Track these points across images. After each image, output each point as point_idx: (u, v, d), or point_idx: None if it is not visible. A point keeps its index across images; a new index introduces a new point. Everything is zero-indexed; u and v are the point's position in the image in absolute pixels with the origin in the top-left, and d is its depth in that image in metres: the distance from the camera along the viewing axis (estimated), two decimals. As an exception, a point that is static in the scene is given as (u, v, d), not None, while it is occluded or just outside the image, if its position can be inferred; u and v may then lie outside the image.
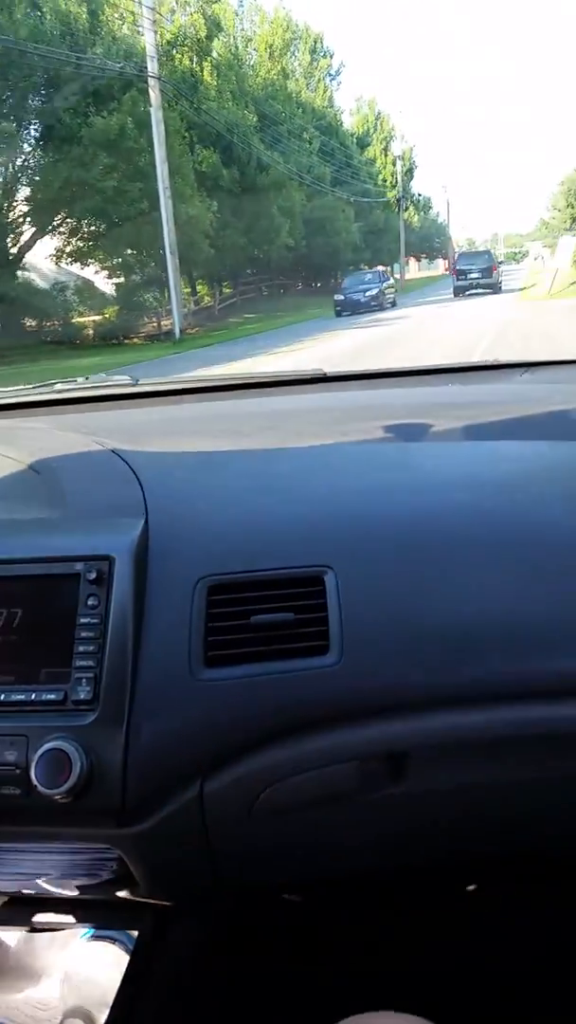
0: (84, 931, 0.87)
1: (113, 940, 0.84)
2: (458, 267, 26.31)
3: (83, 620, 0.76)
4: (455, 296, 25.04)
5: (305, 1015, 1.05)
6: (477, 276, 25.08)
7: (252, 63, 32.16)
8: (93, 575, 0.77)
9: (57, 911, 0.86)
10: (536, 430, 1.02)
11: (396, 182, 48.33)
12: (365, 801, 0.79)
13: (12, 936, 0.91)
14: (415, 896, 1.18)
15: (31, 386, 1.37)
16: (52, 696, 0.74)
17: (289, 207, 27.41)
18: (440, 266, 68.20)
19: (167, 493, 0.88)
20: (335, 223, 34.37)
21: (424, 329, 16.60)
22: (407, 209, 51.21)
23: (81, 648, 0.75)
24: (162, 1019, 0.88)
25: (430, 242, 57.72)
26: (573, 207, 56.87)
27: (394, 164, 47.07)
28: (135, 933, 0.88)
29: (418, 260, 63.17)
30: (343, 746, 0.76)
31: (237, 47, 29.89)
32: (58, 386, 1.36)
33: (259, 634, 0.77)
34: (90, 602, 0.76)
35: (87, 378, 1.42)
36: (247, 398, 1.36)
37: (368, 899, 1.18)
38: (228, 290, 31.35)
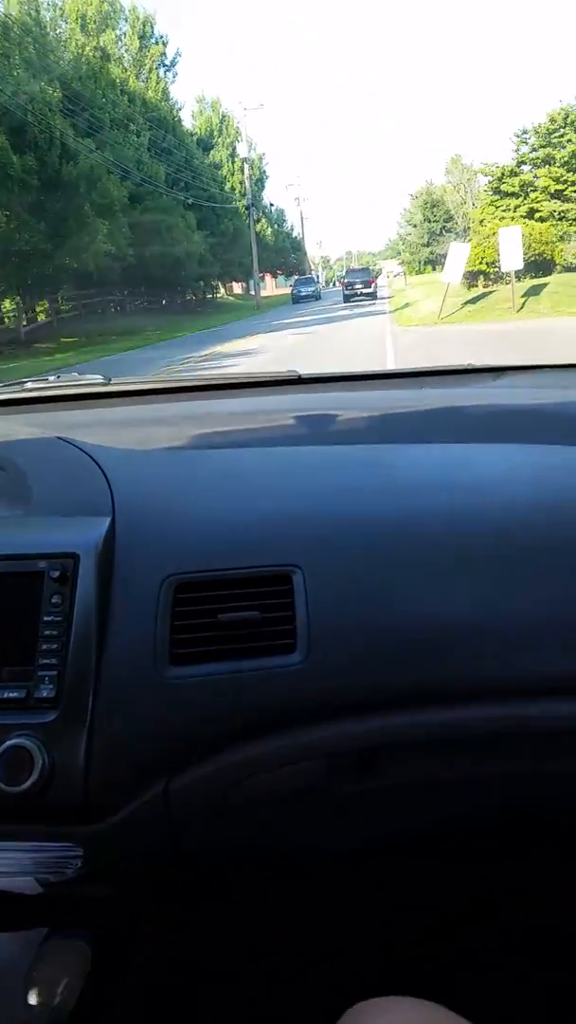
0: (48, 930, 0.84)
1: (79, 938, 0.82)
2: (347, 280, 34.56)
3: (47, 618, 0.76)
4: (345, 301, 31.12)
5: (273, 1010, 1.07)
6: (360, 287, 32.49)
7: (62, 35, 26.86)
8: (57, 573, 0.77)
9: (20, 910, 0.82)
10: (507, 434, 1.01)
11: (245, 190, 44.07)
12: (332, 798, 0.79)
13: None
14: (395, 888, 1.16)
15: (1, 385, 1.37)
16: (14, 694, 0.74)
17: (107, 205, 22.11)
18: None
19: (135, 491, 0.87)
20: (173, 231, 29.32)
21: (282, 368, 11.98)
22: (259, 220, 46.93)
23: (44, 646, 0.75)
24: (129, 1016, 0.87)
25: (285, 257, 54.23)
26: (430, 221, 54.69)
27: (242, 170, 42.68)
28: (101, 931, 0.85)
29: (274, 276, 59.26)
30: (310, 744, 0.77)
31: (39, 10, 24.45)
32: (28, 384, 1.34)
33: (225, 632, 0.77)
34: (54, 600, 0.76)
35: (58, 376, 1.41)
36: (220, 399, 1.35)
37: (350, 890, 1.15)
38: (43, 307, 25.61)
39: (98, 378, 1.34)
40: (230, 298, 48.29)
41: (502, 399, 1.25)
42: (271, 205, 56.16)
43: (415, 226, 57.39)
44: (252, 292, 42.03)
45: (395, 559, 0.81)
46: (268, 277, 58.17)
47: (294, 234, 58.39)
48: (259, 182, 50.87)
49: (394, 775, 0.80)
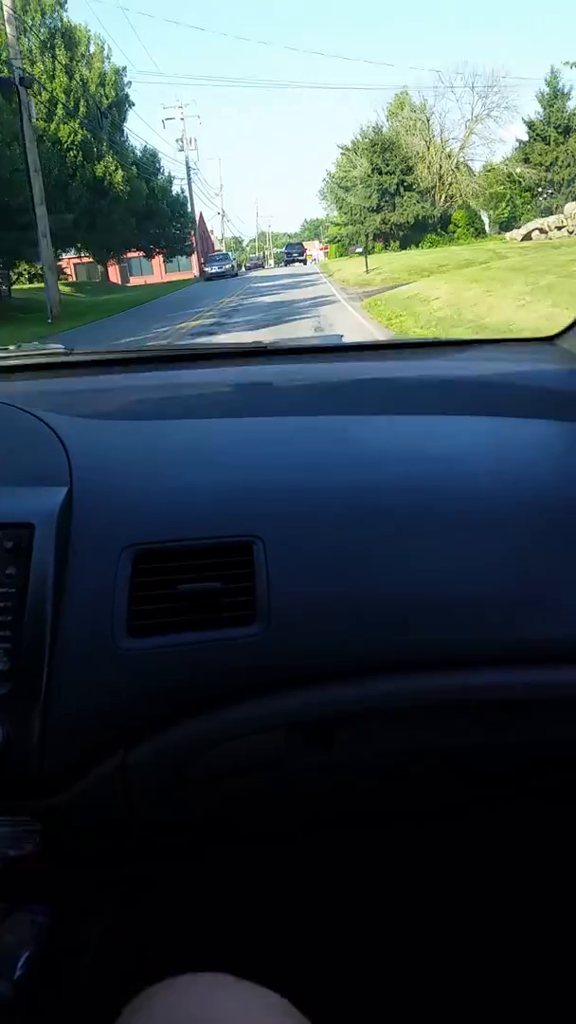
0: (8, 905, 0.82)
1: (39, 912, 0.79)
2: (287, 251, 47.94)
3: (0, 590, 0.74)
4: (286, 265, 42.63)
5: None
6: (296, 255, 44.79)
7: None
8: (11, 543, 0.75)
9: None
10: (470, 406, 1.02)
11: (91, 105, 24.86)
12: (292, 770, 0.79)
13: None
14: (360, 863, 1.13)
15: None
16: None
17: None
18: (193, 265, 46.65)
19: (94, 460, 0.85)
20: None
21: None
22: (104, 156, 27.36)
23: None
24: (89, 991, 0.86)
25: (162, 225, 35.33)
26: (382, 172, 36.51)
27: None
28: (62, 904, 0.83)
29: (149, 255, 39.79)
30: (270, 715, 0.77)
31: None
32: None
33: (185, 603, 0.76)
34: (8, 571, 0.74)
35: (19, 346, 1.40)
36: (184, 369, 1.32)
37: (313, 865, 1.12)
38: None
39: (60, 347, 1.32)
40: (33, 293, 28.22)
41: (467, 371, 1.22)
42: (141, 146, 36.70)
43: (358, 184, 38.70)
44: (88, 278, 23.32)
45: (356, 530, 0.80)
46: (158, 259, 38.70)
47: (188, 210, 39.14)
48: (116, 106, 31.30)
49: (353, 747, 0.79)
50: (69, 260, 42.67)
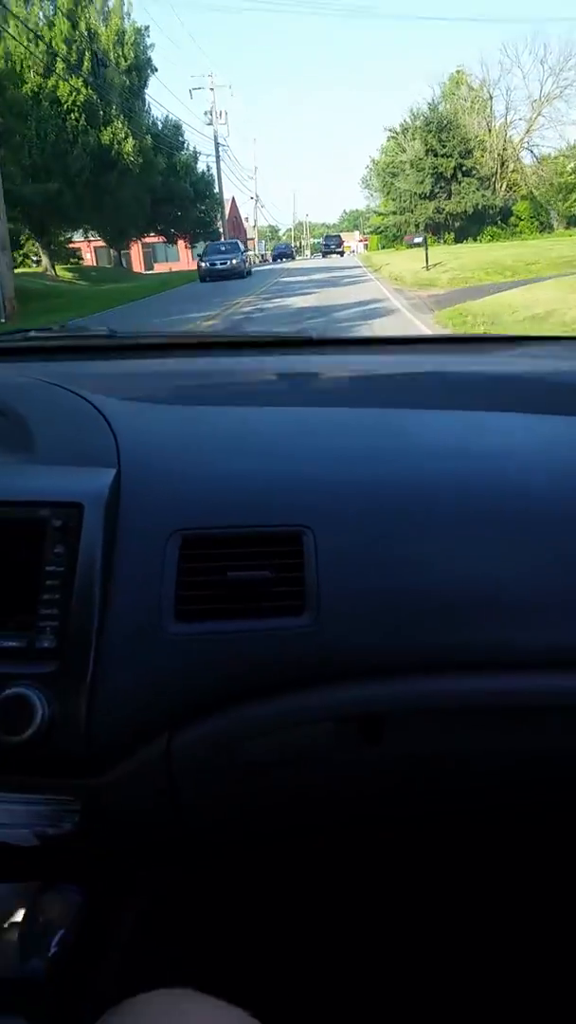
0: (44, 882, 0.84)
1: (75, 892, 0.81)
2: (325, 243, 48.27)
3: (49, 568, 0.74)
4: (323, 256, 42.52)
5: (267, 974, 1.07)
6: (335, 247, 45.23)
7: None
8: (60, 522, 0.75)
9: (17, 862, 0.81)
10: (523, 403, 0.99)
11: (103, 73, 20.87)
12: (335, 764, 0.79)
13: None
14: (395, 861, 1.16)
15: (2, 334, 1.36)
16: (15, 643, 0.73)
17: None
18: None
19: (142, 444, 0.85)
20: None
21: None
22: (110, 122, 23.24)
23: (46, 596, 0.73)
24: (124, 969, 0.87)
25: (183, 207, 31.17)
26: (438, 154, 31.88)
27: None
28: (98, 885, 0.84)
29: (171, 240, 35.46)
30: (315, 707, 0.76)
31: None
32: (31, 334, 1.30)
33: (232, 591, 0.75)
34: (57, 550, 0.74)
35: (62, 327, 1.43)
36: (230, 357, 1.30)
37: (350, 859, 1.15)
38: None
39: (103, 330, 1.28)
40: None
41: (519, 368, 1.21)
42: (162, 116, 32.46)
43: (409, 168, 34.04)
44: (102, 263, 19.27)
45: (406, 523, 0.79)
46: (181, 244, 34.36)
47: (207, 176, 34.75)
48: (136, 69, 27.14)
49: (399, 744, 0.78)
50: (90, 243, 38.77)
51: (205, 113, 37.34)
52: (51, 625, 0.72)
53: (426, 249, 16.81)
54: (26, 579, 0.74)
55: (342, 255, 41.32)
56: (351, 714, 0.77)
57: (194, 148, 33.20)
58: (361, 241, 77.27)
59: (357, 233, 79.11)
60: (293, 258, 49.14)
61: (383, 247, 45.19)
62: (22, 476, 0.80)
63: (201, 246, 36.91)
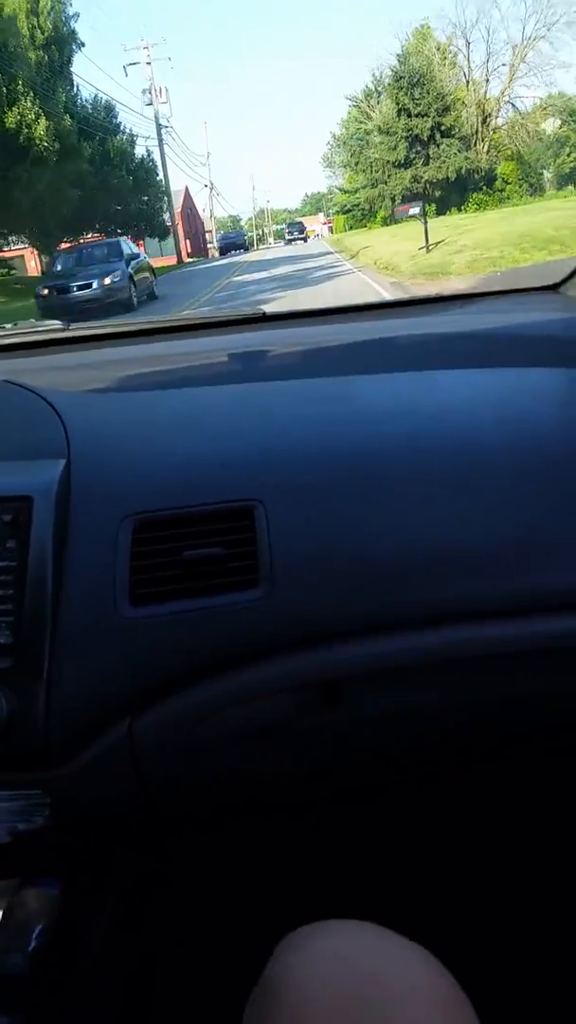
0: (21, 878, 0.83)
1: (51, 885, 0.80)
2: (288, 230, 44.59)
3: (0, 564, 0.74)
4: (286, 244, 38.55)
5: (250, 951, 1.03)
6: (297, 234, 42.20)
7: None
8: (9, 517, 0.75)
9: None
10: (474, 359, 1.00)
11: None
12: (299, 732, 0.80)
13: None
14: (372, 825, 1.16)
15: None
16: None
17: None
18: (177, 249, 38.45)
19: (92, 432, 0.86)
20: None
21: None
22: (58, 119, 19.05)
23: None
24: (104, 960, 0.87)
25: (123, 197, 26.74)
26: (412, 114, 27.61)
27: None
28: (74, 876, 0.84)
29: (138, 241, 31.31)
30: (274, 678, 0.77)
31: None
32: None
33: (187, 570, 0.76)
34: (8, 545, 0.74)
35: (16, 324, 1.39)
36: (184, 339, 1.31)
37: (326, 828, 1.15)
38: None
39: (56, 324, 1.32)
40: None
41: (469, 325, 1.21)
42: (94, 97, 27.88)
43: (377, 134, 29.77)
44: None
45: (357, 489, 0.80)
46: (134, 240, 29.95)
47: (147, 163, 30.20)
48: (56, 44, 22.87)
49: (360, 706, 0.79)
50: (22, 250, 34.39)
51: (143, 92, 32.71)
52: (6, 621, 0.72)
53: (424, 222, 12.54)
54: None
55: (305, 241, 39.12)
56: (309, 681, 0.77)
57: (130, 131, 28.76)
58: (325, 224, 72.74)
59: (321, 215, 74.65)
60: (247, 249, 43.75)
61: (351, 228, 40.99)
62: None
63: (154, 244, 32.19)
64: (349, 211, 40.39)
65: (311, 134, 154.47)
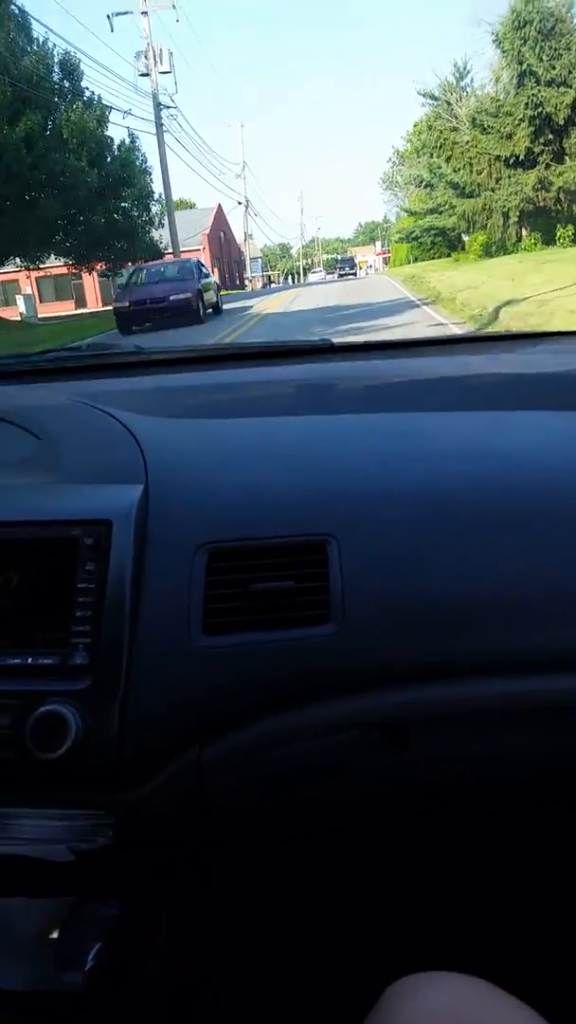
0: (79, 897, 0.84)
1: (109, 905, 0.82)
2: (340, 265, 47.05)
3: (80, 585, 0.76)
4: (339, 278, 35.90)
5: (310, 977, 1.11)
6: (348, 269, 43.36)
7: None
8: (91, 540, 0.77)
9: (52, 877, 0.82)
10: (544, 400, 1.00)
11: None
12: (364, 770, 0.81)
13: (4, 903, 0.88)
14: (429, 865, 1.15)
15: (32, 354, 1.40)
16: (48, 661, 0.75)
17: None
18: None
19: (168, 458, 0.87)
20: None
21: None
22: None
23: (78, 613, 0.75)
24: (159, 981, 0.90)
25: (128, 231, 17.20)
26: (556, 82, 16.92)
27: None
28: (132, 898, 0.85)
29: (80, 267, 21.12)
30: (342, 715, 0.77)
31: None
32: (60, 354, 1.34)
33: (259, 602, 0.77)
34: (88, 567, 0.76)
35: (88, 346, 1.43)
36: (253, 367, 1.32)
37: (379, 864, 1.14)
38: None
39: (130, 347, 1.36)
40: None
41: (540, 365, 1.21)
42: (41, 39, 18.11)
43: (474, 123, 19.43)
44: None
45: (429, 527, 0.80)
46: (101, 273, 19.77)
47: (123, 151, 19.98)
48: None
49: (424, 750, 0.79)
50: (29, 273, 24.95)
51: (137, 57, 22.57)
52: (83, 642, 0.74)
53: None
54: (58, 597, 0.75)
55: (355, 276, 37.58)
56: (376, 722, 0.77)
57: (98, 99, 18.61)
58: (379, 255, 62.54)
59: (377, 245, 64.70)
60: (281, 284, 46.27)
61: (415, 259, 30.93)
62: (52, 496, 0.83)
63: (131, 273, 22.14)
64: (417, 238, 30.27)
65: (366, 158, 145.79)
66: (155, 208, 20.78)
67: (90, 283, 30.39)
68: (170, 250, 22.02)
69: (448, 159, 20.18)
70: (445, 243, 28.82)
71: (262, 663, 0.75)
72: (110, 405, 0.95)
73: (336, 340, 1.31)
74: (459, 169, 19.91)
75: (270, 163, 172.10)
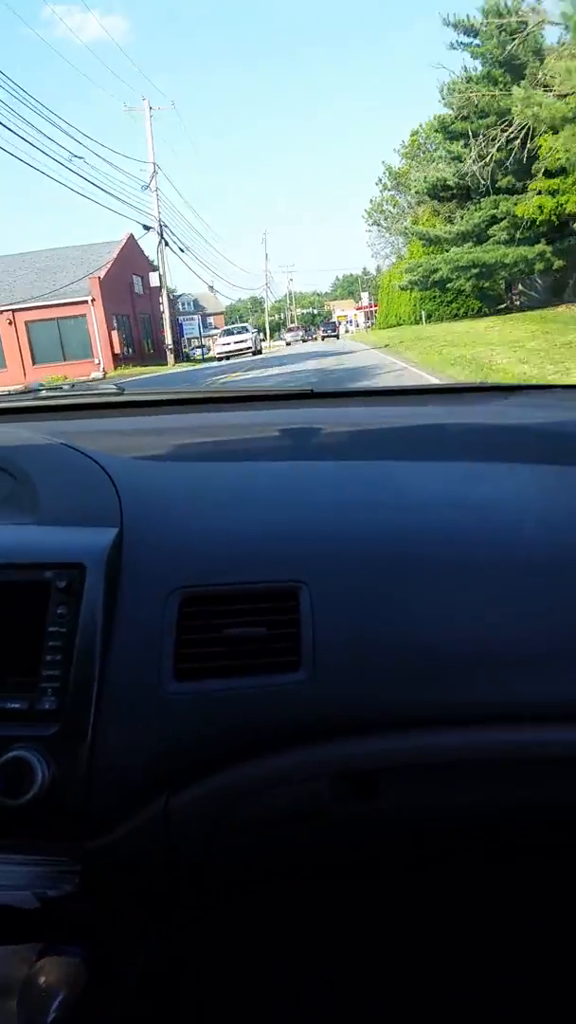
0: (44, 944, 0.83)
1: (74, 953, 0.81)
2: (323, 327, 46.33)
3: (51, 629, 0.75)
4: (322, 340, 39.40)
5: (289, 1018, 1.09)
6: (330, 331, 43.71)
7: None
8: (63, 583, 0.76)
9: (17, 923, 0.82)
10: (517, 453, 1.02)
11: None
12: (332, 819, 0.80)
13: None
14: (395, 909, 1.17)
15: (15, 392, 1.41)
16: (16, 705, 0.74)
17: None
18: (96, 349, 27.28)
19: (144, 502, 0.87)
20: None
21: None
22: None
23: (48, 657, 0.75)
24: None
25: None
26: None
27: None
28: (98, 946, 0.84)
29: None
30: (312, 764, 0.77)
31: None
32: (42, 393, 1.33)
33: (230, 648, 0.77)
34: (59, 611, 0.76)
35: (72, 385, 1.48)
36: (233, 411, 1.33)
37: (349, 910, 1.15)
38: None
39: (111, 387, 1.34)
40: None
41: (513, 418, 1.21)
42: None
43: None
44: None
45: (399, 576, 0.81)
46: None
47: None
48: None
49: (395, 799, 0.79)
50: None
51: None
52: (52, 687, 0.73)
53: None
54: (29, 640, 0.74)
55: (338, 337, 39.71)
56: (346, 771, 0.77)
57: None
58: (360, 309, 55.92)
59: (365, 296, 58.82)
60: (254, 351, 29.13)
61: (428, 316, 24.74)
62: (26, 537, 0.81)
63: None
64: (441, 283, 23.26)
65: (342, 218, 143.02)
66: None
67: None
68: None
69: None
70: (477, 292, 21.53)
71: (232, 710, 0.74)
72: (90, 445, 0.94)
73: (316, 389, 1.33)
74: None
75: (239, 218, 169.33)
